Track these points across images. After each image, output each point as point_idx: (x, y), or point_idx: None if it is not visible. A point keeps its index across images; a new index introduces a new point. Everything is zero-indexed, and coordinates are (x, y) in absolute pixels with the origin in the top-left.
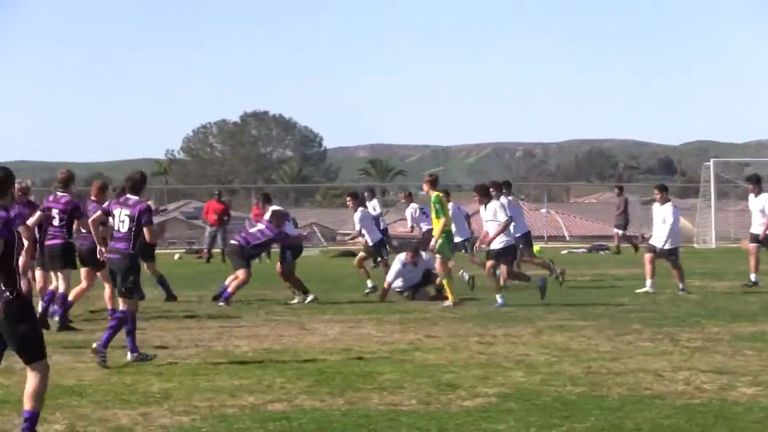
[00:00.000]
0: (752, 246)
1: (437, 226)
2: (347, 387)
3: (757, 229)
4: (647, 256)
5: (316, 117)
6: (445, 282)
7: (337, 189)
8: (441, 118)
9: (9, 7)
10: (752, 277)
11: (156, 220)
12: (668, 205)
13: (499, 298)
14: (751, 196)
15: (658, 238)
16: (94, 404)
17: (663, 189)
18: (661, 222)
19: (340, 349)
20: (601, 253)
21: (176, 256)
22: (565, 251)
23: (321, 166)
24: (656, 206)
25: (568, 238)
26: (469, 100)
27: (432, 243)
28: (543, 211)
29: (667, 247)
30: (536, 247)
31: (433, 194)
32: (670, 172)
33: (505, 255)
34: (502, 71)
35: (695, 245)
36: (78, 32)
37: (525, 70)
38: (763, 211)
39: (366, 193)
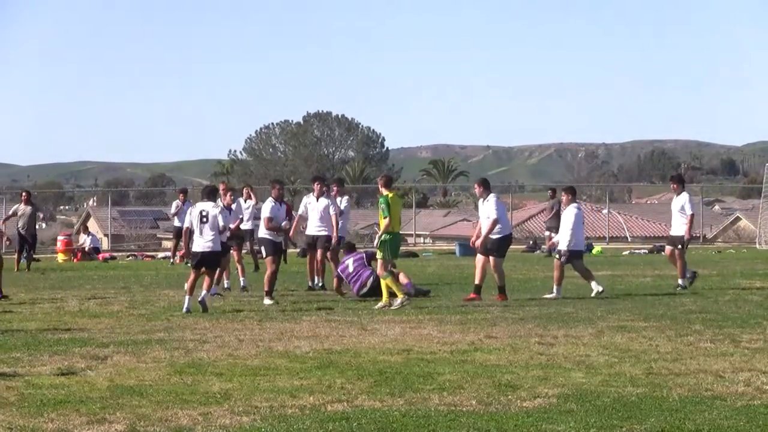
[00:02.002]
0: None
1: (382, 226)
2: (407, 387)
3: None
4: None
5: (378, 117)
6: (386, 281)
7: (399, 190)
8: (504, 119)
9: (75, 8)
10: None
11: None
12: (572, 207)
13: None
14: (674, 196)
15: (563, 240)
16: (155, 404)
17: (570, 191)
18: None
19: (400, 349)
20: (662, 253)
21: None
22: (626, 252)
23: (383, 167)
24: (564, 209)
25: (629, 239)
26: (533, 101)
27: (376, 243)
28: (605, 211)
29: (567, 248)
30: (597, 248)
31: (385, 194)
32: (732, 172)
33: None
34: (566, 71)
35: (757, 246)
36: (140, 33)
37: (588, 71)
38: (683, 212)
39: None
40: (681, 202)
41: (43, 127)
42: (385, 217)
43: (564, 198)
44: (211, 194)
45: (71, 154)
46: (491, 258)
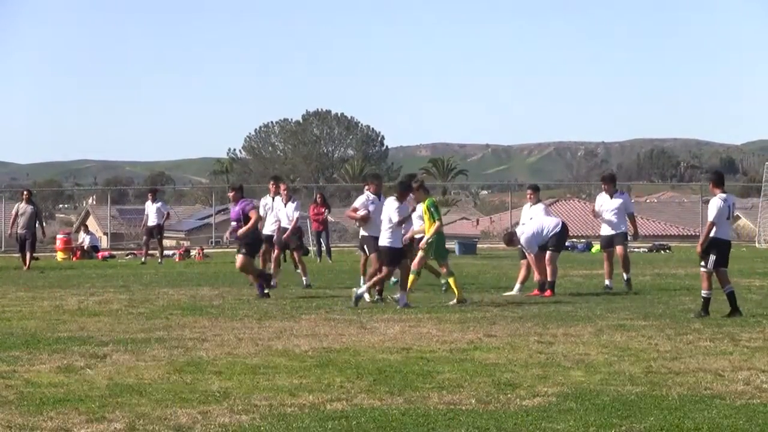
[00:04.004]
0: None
1: (431, 229)
2: (406, 386)
3: (607, 230)
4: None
5: (378, 116)
6: (413, 277)
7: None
8: (503, 118)
9: (74, 7)
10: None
11: (218, 218)
12: (539, 206)
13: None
14: (606, 197)
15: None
16: (154, 403)
17: (536, 189)
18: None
19: (399, 348)
20: (662, 252)
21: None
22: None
23: (382, 165)
24: (526, 206)
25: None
26: (532, 99)
27: (422, 243)
28: None
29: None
30: (596, 247)
31: (427, 197)
32: (731, 171)
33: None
34: (566, 70)
35: (756, 245)
36: (139, 31)
37: (588, 70)
38: (618, 213)
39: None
40: (619, 202)
41: (42, 125)
42: (437, 220)
43: (531, 197)
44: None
45: (70, 153)
46: (548, 252)
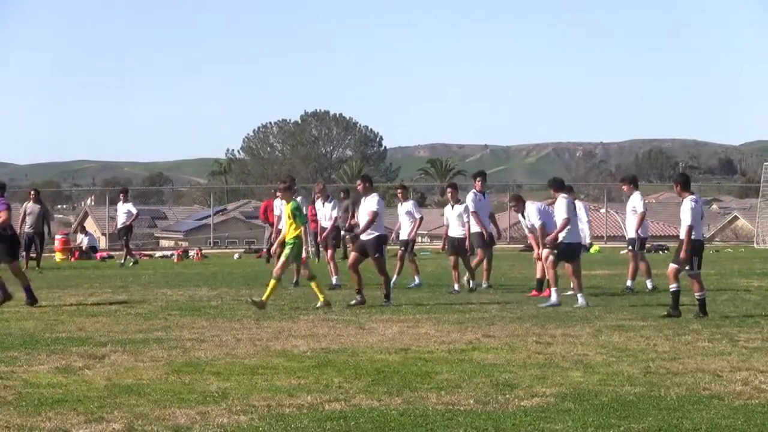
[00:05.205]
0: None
1: (296, 232)
2: (405, 386)
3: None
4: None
5: (376, 117)
6: (314, 283)
7: (397, 188)
8: (501, 118)
9: (73, 8)
10: (629, 283)
11: (217, 219)
12: (578, 204)
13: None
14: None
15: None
16: (152, 403)
17: (569, 190)
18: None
19: (398, 348)
20: (660, 253)
21: (235, 256)
22: (624, 251)
23: (381, 166)
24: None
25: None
26: (530, 100)
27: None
28: (602, 211)
29: (588, 242)
30: (595, 247)
31: (292, 202)
32: (730, 172)
33: None
34: (564, 70)
35: (755, 245)
36: (138, 31)
37: (586, 70)
38: (635, 211)
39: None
40: (632, 202)
41: (41, 125)
42: (304, 224)
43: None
44: (561, 186)
45: (69, 153)
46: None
